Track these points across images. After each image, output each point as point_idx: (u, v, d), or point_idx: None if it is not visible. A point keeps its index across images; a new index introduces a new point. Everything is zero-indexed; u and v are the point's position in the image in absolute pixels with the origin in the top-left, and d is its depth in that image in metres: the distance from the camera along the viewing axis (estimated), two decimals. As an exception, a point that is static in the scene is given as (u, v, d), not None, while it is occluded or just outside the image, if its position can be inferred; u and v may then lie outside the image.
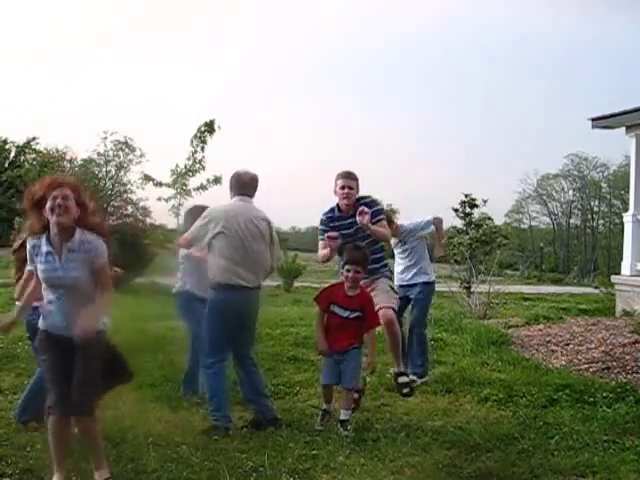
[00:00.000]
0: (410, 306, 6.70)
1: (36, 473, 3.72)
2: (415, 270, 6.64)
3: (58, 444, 3.58)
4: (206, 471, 3.85)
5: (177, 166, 15.23)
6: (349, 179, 5.18)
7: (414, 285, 6.63)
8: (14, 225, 17.83)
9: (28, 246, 3.64)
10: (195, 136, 15.42)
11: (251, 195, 4.97)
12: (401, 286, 6.59)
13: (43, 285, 3.64)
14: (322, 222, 5.27)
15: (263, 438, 4.50)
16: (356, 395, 5.04)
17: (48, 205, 3.48)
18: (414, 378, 5.97)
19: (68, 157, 40.15)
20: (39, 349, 3.74)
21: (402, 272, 6.76)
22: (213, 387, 4.74)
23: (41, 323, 3.71)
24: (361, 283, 4.97)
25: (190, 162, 15.36)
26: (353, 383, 4.85)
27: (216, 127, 15.49)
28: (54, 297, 3.61)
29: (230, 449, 4.24)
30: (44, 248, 3.57)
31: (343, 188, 5.17)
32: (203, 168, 15.58)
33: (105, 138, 35.40)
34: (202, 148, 15.47)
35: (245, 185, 4.94)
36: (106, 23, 68.37)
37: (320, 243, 5.25)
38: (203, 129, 15.44)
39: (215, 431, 4.55)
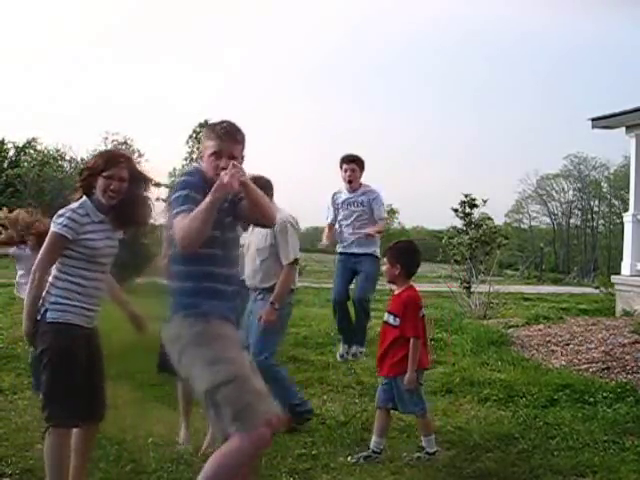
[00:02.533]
0: (359, 279, 6.00)
1: (36, 473, 3.72)
2: (364, 241, 5.86)
3: (66, 459, 3.25)
4: (206, 471, 3.85)
5: (174, 169, 15.30)
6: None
7: (363, 255, 5.90)
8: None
9: (75, 214, 3.25)
10: (190, 137, 15.45)
11: None
12: (349, 255, 5.98)
13: (78, 263, 3.25)
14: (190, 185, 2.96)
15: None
16: None
17: (103, 183, 3.31)
18: (360, 350, 5.94)
19: (68, 157, 40.19)
20: (68, 349, 3.20)
21: (351, 236, 5.93)
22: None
23: (62, 315, 3.22)
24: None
25: (187, 162, 15.42)
26: (412, 409, 4.26)
27: None
28: (91, 276, 3.29)
29: (230, 449, 4.24)
30: (95, 216, 3.31)
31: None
32: None
33: (106, 138, 35.40)
34: (197, 148, 15.52)
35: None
36: (106, 23, 68.52)
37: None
38: (198, 130, 15.49)
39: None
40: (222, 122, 3.03)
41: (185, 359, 2.85)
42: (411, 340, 4.11)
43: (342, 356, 6.07)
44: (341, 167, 5.91)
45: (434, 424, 4.42)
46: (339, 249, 6.13)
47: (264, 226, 3.42)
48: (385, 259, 4.36)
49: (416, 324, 4.16)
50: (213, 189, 2.76)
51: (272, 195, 4.97)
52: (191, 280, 2.93)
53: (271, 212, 3.12)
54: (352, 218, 5.95)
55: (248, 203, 2.98)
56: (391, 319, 4.22)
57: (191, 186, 2.91)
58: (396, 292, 4.33)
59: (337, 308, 6.03)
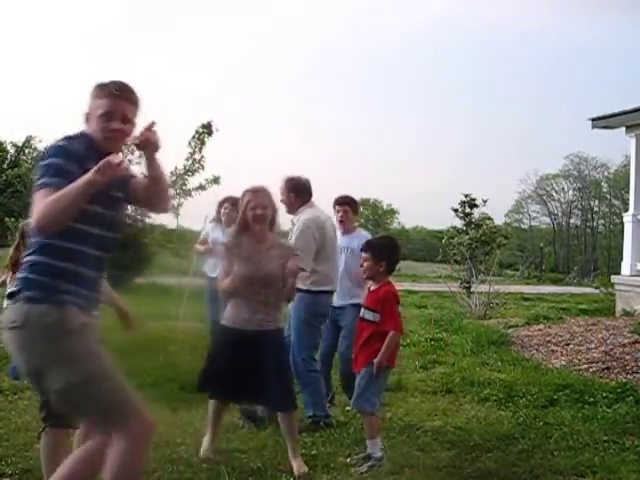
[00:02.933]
0: (341, 336, 5.41)
1: (36, 473, 3.71)
2: (348, 288, 5.40)
3: (63, 459, 3.06)
4: (206, 471, 3.85)
5: (176, 168, 15.20)
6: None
7: (344, 308, 5.38)
8: (8, 225, 17.69)
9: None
10: (193, 137, 15.37)
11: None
12: (333, 308, 5.37)
13: None
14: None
15: (263, 438, 4.50)
16: None
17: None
18: None
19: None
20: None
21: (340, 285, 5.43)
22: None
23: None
24: None
25: (189, 163, 15.35)
26: (363, 405, 4.12)
27: (214, 129, 15.43)
28: None
29: (230, 449, 4.24)
30: None
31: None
32: (202, 168, 15.59)
33: (105, 138, 35.40)
34: (200, 149, 15.44)
35: (311, 190, 5.07)
36: (106, 23, 68.53)
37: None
38: (201, 131, 15.38)
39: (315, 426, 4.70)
40: (114, 81, 2.59)
41: (34, 352, 2.46)
42: (390, 332, 4.02)
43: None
44: (334, 208, 5.66)
45: (382, 424, 4.30)
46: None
47: (156, 211, 3.12)
48: (366, 255, 4.23)
49: (396, 318, 4.09)
50: (96, 168, 2.34)
51: (311, 195, 5.01)
52: (52, 256, 2.49)
53: (167, 196, 2.78)
54: (344, 266, 5.45)
55: (149, 177, 2.63)
56: (369, 315, 4.13)
57: (69, 155, 2.45)
58: (373, 288, 4.24)
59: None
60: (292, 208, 4.99)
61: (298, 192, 4.98)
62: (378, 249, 4.26)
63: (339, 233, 5.57)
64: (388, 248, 4.31)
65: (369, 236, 5.75)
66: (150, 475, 3.77)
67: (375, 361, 4.04)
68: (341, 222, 5.60)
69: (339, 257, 5.45)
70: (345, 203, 5.65)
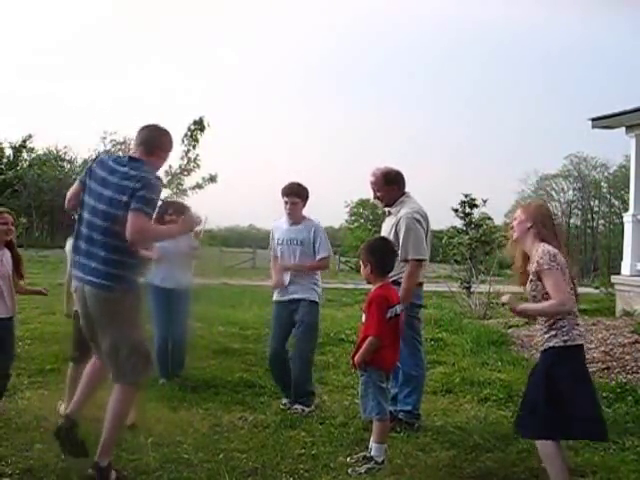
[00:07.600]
0: (296, 328, 5.32)
1: (36, 473, 3.72)
2: (301, 281, 5.33)
3: None
4: (206, 471, 3.85)
5: (170, 167, 15.12)
6: None
7: (301, 302, 5.31)
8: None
9: None
10: (186, 135, 15.31)
11: None
12: (286, 302, 5.36)
13: None
14: None
15: (263, 438, 4.50)
16: None
17: None
18: (301, 408, 5.18)
19: (68, 157, 40.18)
20: None
21: (287, 278, 5.33)
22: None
23: None
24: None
25: (184, 162, 15.27)
26: (369, 413, 4.11)
27: (206, 124, 15.36)
28: None
29: (230, 449, 4.24)
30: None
31: None
32: (198, 166, 15.53)
33: (104, 138, 35.41)
34: (194, 146, 15.37)
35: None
36: (106, 23, 68.54)
37: None
38: (193, 127, 15.32)
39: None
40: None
41: None
42: (368, 338, 4.01)
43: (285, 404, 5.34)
44: (282, 198, 5.33)
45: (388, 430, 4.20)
46: (275, 296, 5.45)
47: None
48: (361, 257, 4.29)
49: (376, 322, 4.01)
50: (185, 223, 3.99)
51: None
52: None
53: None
54: (291, 258, 5.33)
55: None
56: (364, 318, 4.15)
57: (159, 193, 3.76)
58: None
59: (272, 366, 5.50)
60: (390, 200, 5.01)
61: (400, 184, 5.04)
62: (364, 251, 4.24)
63: (287, 224, 5.37)
64: (370, 251, 4.22)
65: (319, 224, 5.42)
66: (150, 475, 3.78)
67: (355, 359, 4.10)
68: (289, 214, 5.33)
69: (292, 250, 5.30)
70: (292, 193, 5.29)
